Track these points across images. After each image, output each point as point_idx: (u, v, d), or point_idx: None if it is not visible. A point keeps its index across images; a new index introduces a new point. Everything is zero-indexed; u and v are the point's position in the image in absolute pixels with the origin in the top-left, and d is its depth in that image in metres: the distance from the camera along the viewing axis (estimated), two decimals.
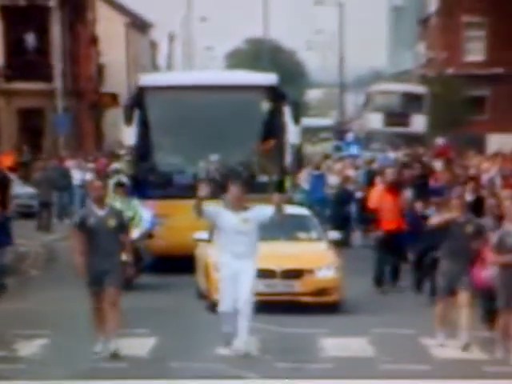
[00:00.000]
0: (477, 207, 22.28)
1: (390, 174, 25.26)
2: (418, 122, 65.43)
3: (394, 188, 24.73)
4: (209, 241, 21.77)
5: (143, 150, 27.41)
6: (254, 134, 27.46)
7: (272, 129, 27.37)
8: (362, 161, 40.74)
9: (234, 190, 17.35)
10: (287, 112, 27.47)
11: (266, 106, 27.20)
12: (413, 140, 58.66)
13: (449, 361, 17.93)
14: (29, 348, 18.25)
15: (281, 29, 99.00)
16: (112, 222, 17.13)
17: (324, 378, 14.86)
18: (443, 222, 18.54)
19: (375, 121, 65.39)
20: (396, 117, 65.06)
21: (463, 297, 17.90)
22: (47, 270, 27.72)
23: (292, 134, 28.14)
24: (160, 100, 27.50)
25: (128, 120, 27.16)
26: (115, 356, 16.74)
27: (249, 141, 27.28)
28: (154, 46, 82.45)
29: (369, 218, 28.07)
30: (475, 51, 76.07)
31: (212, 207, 17.57)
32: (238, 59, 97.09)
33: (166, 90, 27.79)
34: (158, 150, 27.54)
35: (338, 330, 19.62)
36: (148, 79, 30.38)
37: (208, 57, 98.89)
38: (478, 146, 56.54)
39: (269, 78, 29.25)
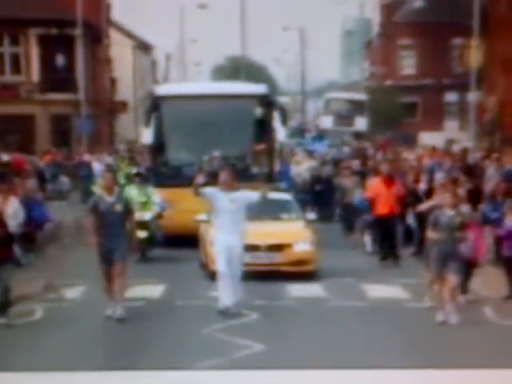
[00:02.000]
0: None
1: (385, 168, 24.14)
2: (361, 123, 65.04)
3: (389, 179, 23.42)
4: (207, 222, 20.63)
5: (158, 147, 26.57)
6: (250, 133, 26.46)
7: (264, 130, 26.52)
8: (317, 154, 39.84)
9: (223, 174, 16.89)
10: (276, 116, 26.81)
11: (258, 110, 26.33)
12: (357, 137, 58.55)
13: (379, 299, 18.55)
14: (72, 293, 18.86)
15: (255, 48, 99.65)
16: (119, 207, 16.55)
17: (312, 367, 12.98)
18: (428, 208, 18.04)
19: (327, 121, 65.03)
20: (343, 118, 64.83)
21: (450, 279, 16.04)
22: (77, 237, 26.59)
23: (280, 133, 27.45)
24: (172, 106, 26.50)
25: (146, 123, 26.66)
26: (121, 320, 16.14)
27: (245, 139, 26.38)
28: (154, 63, 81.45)
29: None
30: (408, 66, 75.78)
31: (208, 189, 17.07)
32: (221, 73, 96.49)
33: (177, 98, 26.87)
34: (170, 147, 26.62)
35: (299, 280, 19.92)
36: (162, 89, 29.53)
37: (196, 71, 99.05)
38: (412, 142, 56.16)
39: (261, 88, 28.34)
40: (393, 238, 23.31)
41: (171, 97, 26.85)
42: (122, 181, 26.34)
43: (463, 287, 17.54)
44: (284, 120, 27.46)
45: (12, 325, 15.96)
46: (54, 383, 12.69)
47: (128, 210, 16.81)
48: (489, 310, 17.17)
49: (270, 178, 25.53)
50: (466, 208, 17.94)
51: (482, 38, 37.76)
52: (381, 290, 19.60)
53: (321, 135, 56.39)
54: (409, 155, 36.23)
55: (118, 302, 16.40)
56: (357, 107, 67.04)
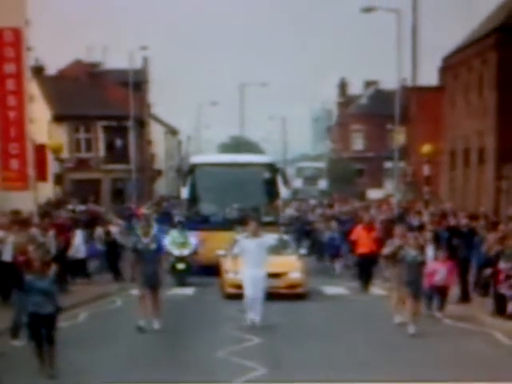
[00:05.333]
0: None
1: (366, 217, 23.48)
2: (322, 183, 65.94)
3: (369, 226, 22.30)
4: (225, 256, 20.07)
5: (192, 201, 25.74)
6: (260, 191, 25.63)
7: (271, 189, 25.56)
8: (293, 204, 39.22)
9: (252, 224, 16.05)
10: (279, 179, 25.75)
11: (266, 174, 25.64)
12: (322, 193, 59.54)
13: (332, 295, 20.80)
14: (137, 292, 18.79)
15: (250, 131, 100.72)
16: (153, 246, 15.73)
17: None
18: (392, 251, 15.95)
19: (298, 183, 65.35)
20: (309, 180, 65.25)
21: (413, 300, 15.04)
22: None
23: (282, 192, 26.00)
24: (203, 171, 25.79)
25: (184, 183, 26.08)
26: (160, 330, 15.26)
27: (257, 195, 25.51)
28: (179, 143, 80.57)
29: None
30: (358, 144, 75.52)
31: (240, 237, 17.02)
32: (225, 148, 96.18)
33: (206, 165, 26.25)
34: (201, 201, 25.83)
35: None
36: (196, 158, 28.54)
37: (208, 147, 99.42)
38: (361, 196, 55.98)
39: (268, 158, 28.19)
40: (370, 270, 22.07)
41: (202, 164, 26.38)
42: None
43: (441, 307, 16.83)
44: (285, 182, 26.57)
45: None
46: None
47: (159, 248, 16.12)
48: None
49: (275, 224, 24.52)
50: (430, 248, 17.30)
51: (403, 127, 40.42)
52: (332, 290, 21.76)
53: (293, 192, 56.88)
54: (355, 204, 36.29)
55: (155, 318, 15.52)
56: (319, 172, 67.75)
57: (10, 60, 26.10)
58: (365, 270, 21.94)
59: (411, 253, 15.13)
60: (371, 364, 12.41)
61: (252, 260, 15.60)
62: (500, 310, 16.22)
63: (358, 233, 22.19)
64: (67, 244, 21.43)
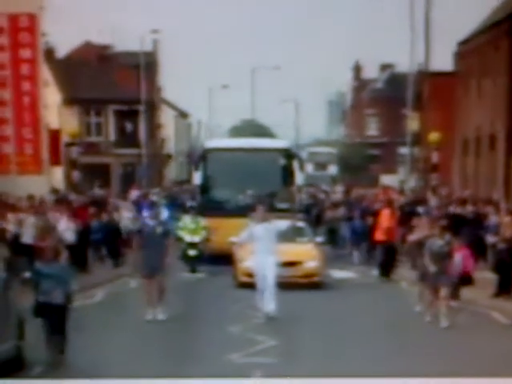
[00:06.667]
0: None
1: (398, 203, 23.33)
2: (332, 169, 66.07)
3: (394, 213, 22.37)
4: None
5: (205, 187, 25.56)
6: (276, 178, 25.34)
7: (286, 175, 25.26)
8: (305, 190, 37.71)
9: (259, 209, 16.22)
10: (296, 164, 25.46)
11: (282, 160, 25.38)
12: (330, 179, 59.65)
13: (340, 279, 21.90)
14: None
15: (262, 114, 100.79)
16: (159, 230, 15.56)
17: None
18: (418, 239, 16.39)
19: (309, 168, 61.73)
20: (320, 166, 65.72)
21: (443, 292, 14.95)
22: None
23: (299, 178, 25.70)
24: (216, 156, 25.56)
25: (196, 168, 25.87)
26: (163, 321, 15.15)
27: (272, 182, 25.27)
28: (189, 126, 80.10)
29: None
30: (372, 129, 75.84)
31: (251, 223, 16.70)
32: (236, 132, 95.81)
33: (220, 150, 25.99)
34: (214, 187, 25.61)
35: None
36: (209, 143, 28.18)
37: (218, 131, 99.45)
38: (375, 182, 55.54)
39: (284, 143, 27.70)
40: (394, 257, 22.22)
41: (216, 149, 26.20)
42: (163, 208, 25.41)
43: (455, 295, 16.86)
44: (302, 167, 26.26)
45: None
46: None
47: (166, 233, 15.97)
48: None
49: (291, 211, 24.25)
50: (448, 236, 16.52)
51: (417, 112, 41.16)
52: (340, 274, 22.84)
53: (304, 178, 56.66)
54: (368, 192, 36.25)
55: (160, 306, 15.38)
56: (329, 158, 68.02)
57: (26, 45, 27.22)
58: (391, 256, 21.92)
59: (437, 242, 15.07)
60: (372, 342, 13.40)
61: (261, 246, 15.64)
62: (502, 290, 17.14)
63: (391, 219, 21.87)
64: (85, 227, 22.49)
